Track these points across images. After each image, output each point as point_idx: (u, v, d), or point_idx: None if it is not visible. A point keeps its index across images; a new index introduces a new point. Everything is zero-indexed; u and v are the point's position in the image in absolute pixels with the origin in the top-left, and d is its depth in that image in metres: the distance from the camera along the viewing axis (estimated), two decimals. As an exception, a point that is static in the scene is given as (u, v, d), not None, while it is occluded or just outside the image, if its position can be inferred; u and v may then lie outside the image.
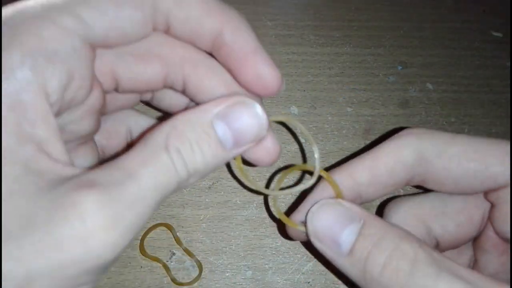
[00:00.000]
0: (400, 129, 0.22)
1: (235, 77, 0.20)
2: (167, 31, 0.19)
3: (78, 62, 0.17)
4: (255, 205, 0.32)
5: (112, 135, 0.25)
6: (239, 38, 0.19)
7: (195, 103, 0.22)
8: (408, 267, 0.16)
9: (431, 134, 0.21)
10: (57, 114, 0.17)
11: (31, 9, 0.16)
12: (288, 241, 0.32)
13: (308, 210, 0.20)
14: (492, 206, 0.21)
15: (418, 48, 0.40)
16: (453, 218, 0.22)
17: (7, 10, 0.16)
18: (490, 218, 0.21)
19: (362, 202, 0.22)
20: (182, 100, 0.24)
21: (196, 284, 0.30)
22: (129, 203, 0.15)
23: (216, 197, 0.33)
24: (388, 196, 0.28)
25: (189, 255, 0.31)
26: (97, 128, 0.22)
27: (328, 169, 0.34)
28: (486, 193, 0.21)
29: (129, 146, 0.26)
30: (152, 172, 0.16)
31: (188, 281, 0.30)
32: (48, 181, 0.15)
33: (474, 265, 0.23)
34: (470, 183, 0.20)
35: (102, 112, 0.22)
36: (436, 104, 0.37)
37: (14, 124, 0.15)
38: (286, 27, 0.41)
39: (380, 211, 0.24)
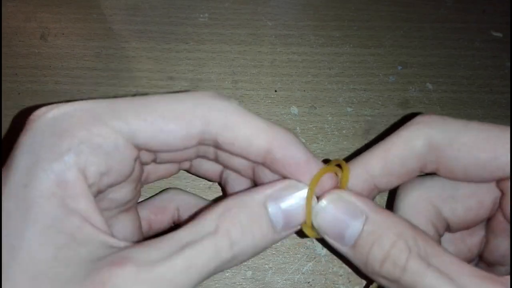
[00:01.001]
0: (411, 116, 0.22)
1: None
2: (216, 146, 0.20)
3: (118, 157, 0.19)
4: (255, 205, 0.32)
5: (160, 211, 0.27)
6: (289, 153, 0.20)
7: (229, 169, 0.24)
8: (403, 262, 0.17)
9: (442, 121, 0.21)
10: (97, 193, 0.19)
11: (91, 109, 0.19)
12: (288, 241, 0.32)
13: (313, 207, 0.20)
14: (502, 194, 0.21)
15: (418, 48, 0.40)
16: (463, 202, 0.22)
17: (70, 106, 0.19)
18: (500, 205, 0.22)
19: (379, 192, 0.23)
20: (217, 167, 0.25)
21: (196, 284, 0.30)
22: (157, 284, 0.16)
23: (216, 197, 0.33)
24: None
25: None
26: (136, 196, 0.23)
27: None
28: (498, 181, 0.21)
29: (176, 224, 0.28)
30: (188, 256, 0.17)
31: (188, 281, 0.30)
32: (91, 252, 0.17)
33: (485, 245, 0.24)
34: (480, 173, 0.20)
35: (144, 181, 0.24)
36: (436, 104, 0.37)
37: (60, 198, 0.17)
38: (286, 27, 0.41)
39: (394, 192, 0.24)
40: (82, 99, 0.37)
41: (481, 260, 0.24)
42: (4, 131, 0.34)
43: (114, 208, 0.22)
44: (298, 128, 0.36)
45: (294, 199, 0.19)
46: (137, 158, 0.20)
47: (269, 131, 0.20)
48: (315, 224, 0.20)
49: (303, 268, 0.31)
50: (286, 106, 0.37)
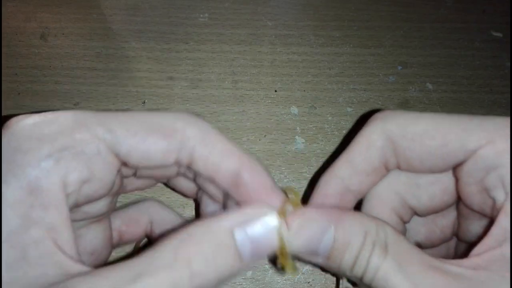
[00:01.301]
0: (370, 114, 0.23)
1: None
2: (190, 165, 0.21)
3: (101, 164, 0.18)
4: (255, 205, 0.32)
5: (133, 222, 0.26)
6: (256, 178, 0.20)
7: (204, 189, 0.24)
8: (366, 260, 0.18)
9: (396, 115, 0.21)
10: (74, 206, 0.19)
11: (74, 116, 0.18)
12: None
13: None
14: (457, 180, 0.22)
15: (418, 48, 0.40)
16: (426, 189, 0.22)
17: (52, 113, 0.18)
18: (457, 192, 0.22)
19: (357, 197, 0.23)
20: (193, 186, 0.25)
21: (196, 284, 0.30)
22: None
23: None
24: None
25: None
26: (111, 208, 0.23)
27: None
28: (453, 169, 0.22)
29: (148, 237, 0.27)
30: None
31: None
32: (39, 276, 0.15)
33: (458, 226, 0.24)
34: (433, 162, 0.20)
35: (119, 192, 0.23)
36: (436, 104, 0.37)
37: (26, 207, 0.16)
38: (286, 27, 0.41)
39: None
40: (82, 99, 0.37)
41: (459, 239, 0.25)
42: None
43: (86, 219, 0.22)
44: (298, 128, 0.36)
45: (263, 226, 0.18)
46: (119, 171, 0.20)
47: (240, 155, 0.20)
48: (290, 251, 0.19)
49: (303, 268, 0.31)
50: (286, 106, 0.37)
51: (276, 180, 0.33)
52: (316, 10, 0.42)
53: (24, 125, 0.17)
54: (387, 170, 0.22)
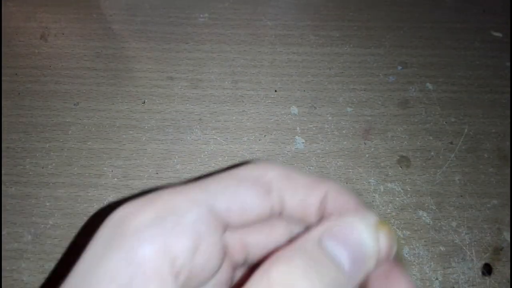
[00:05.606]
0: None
1: None
2: (281, 211, 0.20)
3: (204, 229, 0.18)
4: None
5: None
6: (340, 200, 0.20)
7: None
8: None
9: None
10: (188, 280, 0.17)
11: (167, 191, 0.18)
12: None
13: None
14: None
15: (418, 48, 0.40)
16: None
17: (147, 197, 0.18)
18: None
19: None
20: None
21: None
22: None
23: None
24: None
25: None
26: None
27: (328, 169, 0.34)
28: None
29: None
30: None
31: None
32: None
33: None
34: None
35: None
36: (436, 104, 0.37)
37: (127, 278, 0.15)
38: (286, 27, 0.41)
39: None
40: (82, 99, 0.37)
41: None
42: (4, 134, 0.34)
43: None
44: (298, 128, 0.36)
45: (359, 230, 0.16)
46: (222, 232, 0.19)
47: (324, 185, 0.20)
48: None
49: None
50: (286, 106, 0.37)
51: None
52: (316, 10, 0.42)
53: (126, 207, 0.17)
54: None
